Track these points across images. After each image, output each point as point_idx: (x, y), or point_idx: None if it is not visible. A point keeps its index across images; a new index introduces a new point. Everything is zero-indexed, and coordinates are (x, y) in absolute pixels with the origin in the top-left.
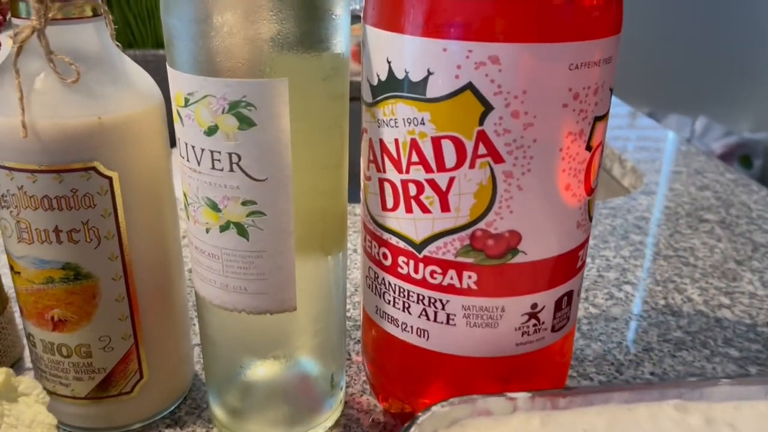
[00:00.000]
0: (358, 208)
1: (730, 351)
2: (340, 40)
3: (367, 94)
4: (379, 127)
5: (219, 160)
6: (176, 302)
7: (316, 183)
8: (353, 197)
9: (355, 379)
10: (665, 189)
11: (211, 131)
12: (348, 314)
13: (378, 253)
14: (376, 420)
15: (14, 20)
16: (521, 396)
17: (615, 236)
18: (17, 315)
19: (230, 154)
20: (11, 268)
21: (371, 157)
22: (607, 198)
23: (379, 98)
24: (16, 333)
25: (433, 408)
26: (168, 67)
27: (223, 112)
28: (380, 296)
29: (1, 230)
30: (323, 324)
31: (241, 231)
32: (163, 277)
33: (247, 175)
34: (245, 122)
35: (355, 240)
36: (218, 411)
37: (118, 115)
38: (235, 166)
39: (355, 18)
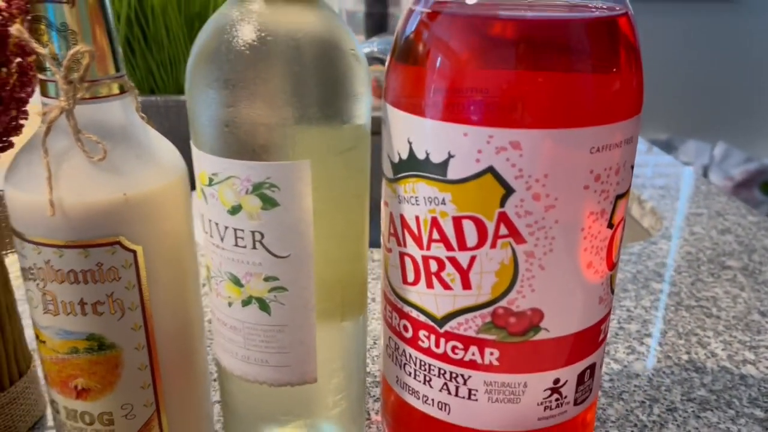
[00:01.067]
0: (377, 253)
1: (756, 411)
2: (362, 113)
3: (388, 170)
4: (399, 203)
5: (242, 238)
6: (197, 368)
7: (338, 255)
8: (374, 241)
9: None
10: (686, 233)
11: (235, 210)
12: (367, 369)
13: (399, 325)
14: None
15: (42, 99)
16: None
17: (635, 284)
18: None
19: (253, 233)
20: (36, 337)
21: (392, 231)
22: (627, 241)
23: (400, 175)
24: (38, 392)
25: None
26: (192, 146)
27: (246, 193)
28: (401, 367)
29: (27, 301)
30: (344, 393)
31: (263, 306)
32: (185, 345)
33: (270, 252)
34: (268, 202)
35: (373, 288)
36: None
37: (142, 191)
38: (258, 243)
39: (372, 60)
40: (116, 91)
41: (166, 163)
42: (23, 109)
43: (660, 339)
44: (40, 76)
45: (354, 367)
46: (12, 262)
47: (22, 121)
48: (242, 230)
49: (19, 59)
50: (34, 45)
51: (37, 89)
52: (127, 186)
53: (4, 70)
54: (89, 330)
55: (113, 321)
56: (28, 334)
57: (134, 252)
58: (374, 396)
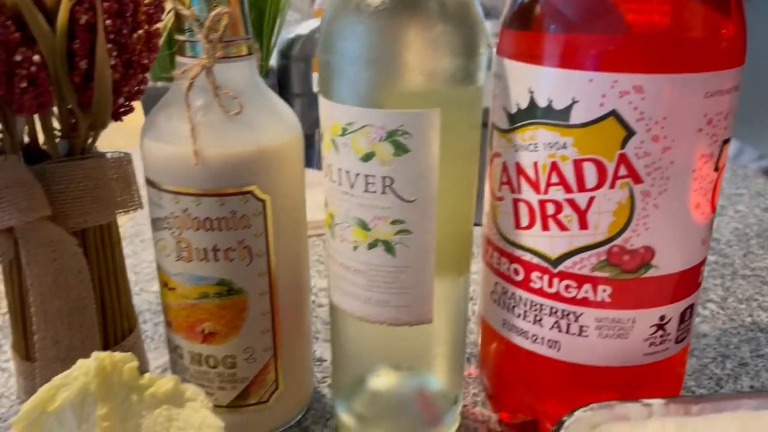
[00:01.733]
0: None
1: None
2: (482, 75)
3: (502, 122)
4: (516, 151)
5: (373, 184)
6: (306, 316)
7: (455, 206)
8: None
9: (465, 392)
10: (730, 211)
11: (368, 157)
12: None
13: (508, 269)
14: (492, 430)
15: (180, 59)
16: (656, 402)
17: None
18: (157, 329)
19: (384, 178)
20: (165, 284)
21: (504, 180)
22: None
23: (517, 125)
24: (143, 351)
25: (576, 413)
26: (322, 99)
27: (380, 140)
28: (509, 310)
29: (158, 250)
30: (451, 338)
31: (389, 248)
32: (297, 292)
33: (398, 197)
34: (400, 149)
35: None
36: (345, 417)
37: (273, 144)
38: (387, 188)
39: None
40: (245, 51)
41: (287, 119)
42: (146, 75)
43: (721, 304)
44: (179, 37)
45: (461, 317)
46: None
47: (143, 87)
48: (373, 176)
49: (147, 26)
50: (180, 7)
51: None
52: (260, 139)
53: (135, 35)
54: (220, 275)
55: (242, 267)
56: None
57: (263, 201)
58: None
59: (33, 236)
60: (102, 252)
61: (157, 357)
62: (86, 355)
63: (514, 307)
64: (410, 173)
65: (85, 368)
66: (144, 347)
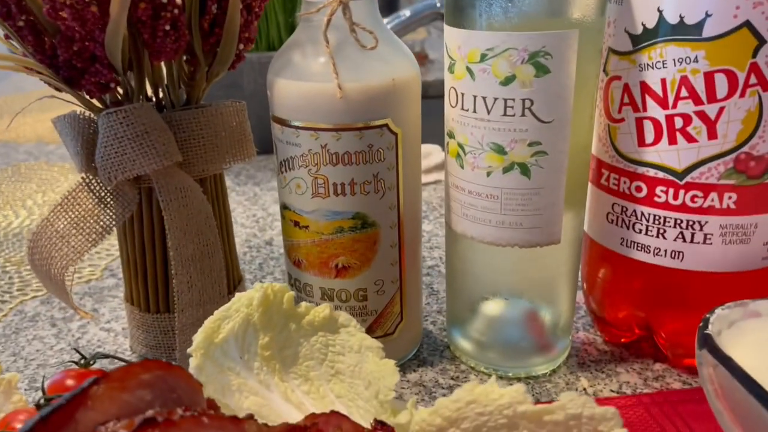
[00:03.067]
0: None
1: None
2: (607, 2)
3: (623, 45)
4: (641, 71)
5: (512, 107)
6: (420, 248)
7: (581, 127)
8: None
9: None
10: None
11: (508, 81)
12: None
13: (628, 188)
14: (601, 350)
15: None
16: None
17: None
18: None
19: (524, 101)
20: (296, 223)
21: (625, 101)
22: None
23: (643, 45)
24: None
25: (717, 311)
26: (452, 29)
27: (522, 63)
28: (629, 227)
29: (288, 190)
30: (571, 262)
31: (524, 170)
32: (416, 224)
33: (537, 118)
34: (541, 70)
35: None
36: (463, 342)
37: (405, 77)
38: (527, 110)
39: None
40: None
41: (409, 53)
42: (255, 20)
43: None
44: None
45: (579, 239)
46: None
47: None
48: (513, 99)
49: None
50: None
51: None
52: (394, 72)
53: None
54: (356, 209)
55: (376, 200)
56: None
57: (396, 134)
58: None
59: (168, 181)
60: (216, 201)
61: None
62: (215, 300)
63: (634, 224)
64: (549, 94)
65: (247, 300)
66: None
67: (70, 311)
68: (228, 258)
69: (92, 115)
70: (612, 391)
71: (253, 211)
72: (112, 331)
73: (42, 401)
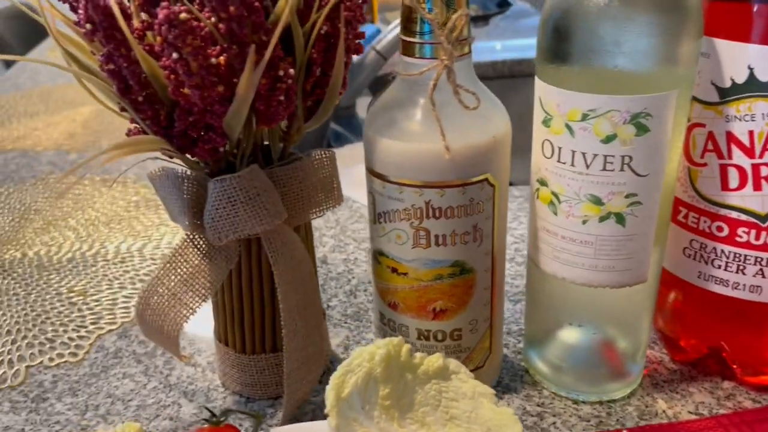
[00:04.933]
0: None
1: None
2: (698, 53)
3: (711, 96)
4: (728, 122)
5: (611, 163)
6: (504, 285)
7: (671, 175)
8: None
9: None
10: None
11: (609, 139)
12: None
13: (709, 227)
14: (670, 368)
15: (407, 59)
16: None
17: None
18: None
19: (623, 157)
20: (394, 270)
21: (709, 147)
22: None
23: (730, 98)
24: (329, 341)
25: None
26: (551, 87)
27: (624, 123)
28: (707, 263)
29: (387, 239)
30: (650, 296)
31: (620, 219)
32: (503, 265)
33: (635, 172)
34: (642, 129)
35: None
36: (540, 365)
37: (503, 132)
38: (625, 166)
39: None
40: (467, 50)
41: (501, 107)
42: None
43: None
44: (408, 38)
45: (659, 275)
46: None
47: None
48: (613, 156)
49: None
50: (422, 11)
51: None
52: (494, 129)
53: (351, 37)
54: (455, 257)
55: (474, 248)
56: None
57: (494, 186)
58: None
59: (276, 238)
60: (306, 246)
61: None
62: (314, 342)
63: (713, 260)
64: (648, 150)
65: (369, 355)
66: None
67: (151, 345)
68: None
69: (194, 173)
70: (690, 412)
71: None
72: (198, 366)
73: None
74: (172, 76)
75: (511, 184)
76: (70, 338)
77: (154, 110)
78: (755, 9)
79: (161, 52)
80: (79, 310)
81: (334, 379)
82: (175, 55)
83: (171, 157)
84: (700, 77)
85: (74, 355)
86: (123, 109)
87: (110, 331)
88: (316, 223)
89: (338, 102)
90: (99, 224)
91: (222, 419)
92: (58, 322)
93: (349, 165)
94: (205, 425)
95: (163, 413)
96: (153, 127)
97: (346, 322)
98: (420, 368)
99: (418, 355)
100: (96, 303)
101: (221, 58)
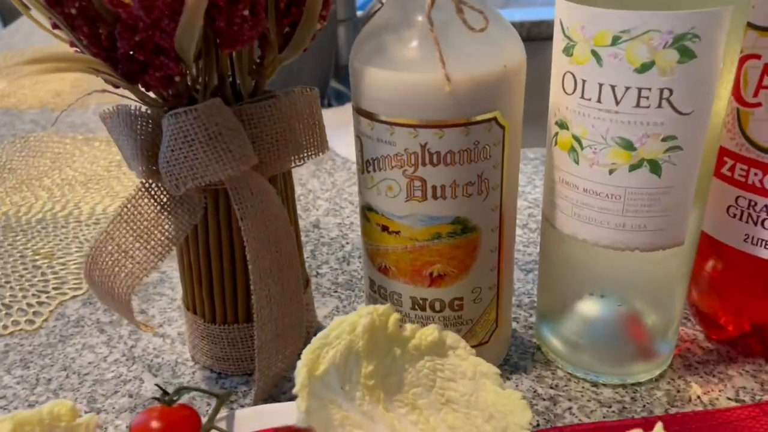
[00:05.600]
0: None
1: None
2: None
3: (766, 19)
4: None
5: (647, 98)
6: (514, 250)
7: (718, 117)
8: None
9: None
10: None
11: (645, 68)
12: None
13: (760, 181)
14: (705, 348)
15: None
16: None
17: None
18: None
19: (662, 90)
20: (384, 228)
21: (765, 84)
22: None
23: None
24: (314, 312)
25: None
26: (574, 6)
27: (664, 47)
28: (756, 223)
29: (377, 192)
30: (686, 263)
31: (655, 168)
32: (513, 225)
33: (675, 109)
34: (686, 55)
35: None
36: (555, 342)
37: (516, 62)
38: (664, 101)
39: None
40: None
41: (517, 34)
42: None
43: None
44: None
45: (697, 239)
46: None
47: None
48: (648, 89)
49: None
50: None
51: None
52: (505, 57)
53: None
54: (456, 213)
55: (479, 202)
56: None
57: (503, 128)
58: None
59: (244, 187)
60: (286, 201)
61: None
62: (292, 311)
63: (765, 220)
64: (692, 82)
65: (349, 325)
66: (314, 306)
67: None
68: (301, 254)
69: (149, 111)
70: (729, 399)
71: None
72: (167, 336)
73: None
74: None
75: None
76: (28, 304)
77: (93, 27)
78: None
79: None
80: (43, 274)
81: (307, 353)
82: None
83: (116, 87)
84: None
85: (31, 322)
86: (56, 26)
87: (74, 297)
88: (311, 184)
89: (320, 27)
90: (76, 184)
91: (175, 398)
92: (18, 287)
93: (349, 124)
94: (156, 404)
95: (123, 389)
96: (92, 48)
97: (336, 291)
98: (411, 342)
99: (408, 326)
100: (62, 267)
101: None
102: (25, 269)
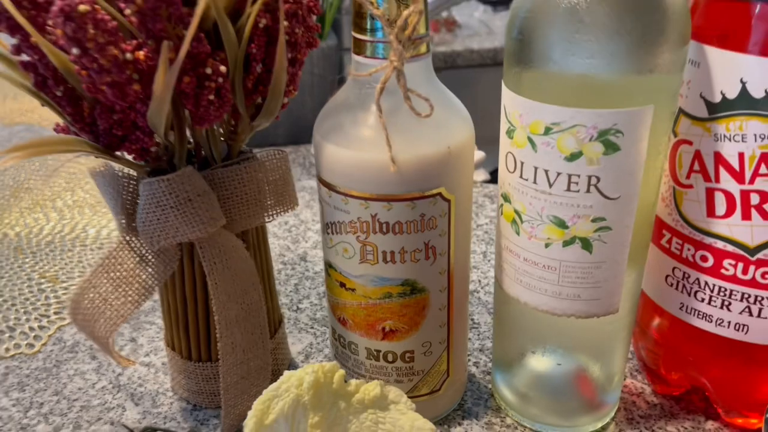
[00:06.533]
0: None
1: None
2: (684, 62)
3: (698, 110)
4: (716, 141)
5: (576, 183)
6: (467, 305)
7: (646, 198)
8: None
9: None
10: None
11: (574, 157)
12: None
13: (692, 256)
14: (650, 402)
15: (358, 59)
16: None
17: None
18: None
19: (590, 177)
20: (342, 285)
21: (696, 168)
22: None
23: (720, 114)
24: (287, 349)
25: None
26: (511, 94)
27: (590, 140)
28: (690, 294)
29: (335, 252)
30: (627, 325)
31: (586, 245)
32: (465, 285)
33: (603, 195)
34: (611, 148)
35: None
36: (507, 393)
37: (461, 142)
38: (592, 187)
39: None
40: (424, 50)
41: (464, 114)
42: (299, 70)
43: None
44: (360, 36)
45: (636, 303)
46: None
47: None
48: (578, 176)
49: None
50: (370, 7)
51: None
52: (449, 139)
53: (298, 31)
54: (405, 276)
55: (426, 266)
56: (282, 292)
57: (449, 201)
58: None
59: (211, 245)
60: (258, 251)
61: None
62: (258, 355)
63: (696, 291)
64: (617, 171)
65: (297, 380)
66: (288, 347)
67: None
68: (269, 303)
69: (131, 172)
70: None
71: (285, 218)
72: (152, 366)
73: None
74: (83, 73)
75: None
76: (30, 327)
77: (76, 106)
78: (756, 10)
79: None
80: (46, 297)
81: (257, 404)
82: (75, 51)
83: (97, 157)
84: (689, 88)
85: (31, 346)
86: (44, 104)
87: (71, 323)
88: (304, 215)
89: (287, 101)
90: (84, 206)
91: None
92: (23, 310)
93: None
94: None
95: (105, 416)
96: (77, 124)
97: (312, 327)
98: (355, 396)
99: (353, 382)
100: (64, 291)
101: (140, 53)
102: (30, 292)
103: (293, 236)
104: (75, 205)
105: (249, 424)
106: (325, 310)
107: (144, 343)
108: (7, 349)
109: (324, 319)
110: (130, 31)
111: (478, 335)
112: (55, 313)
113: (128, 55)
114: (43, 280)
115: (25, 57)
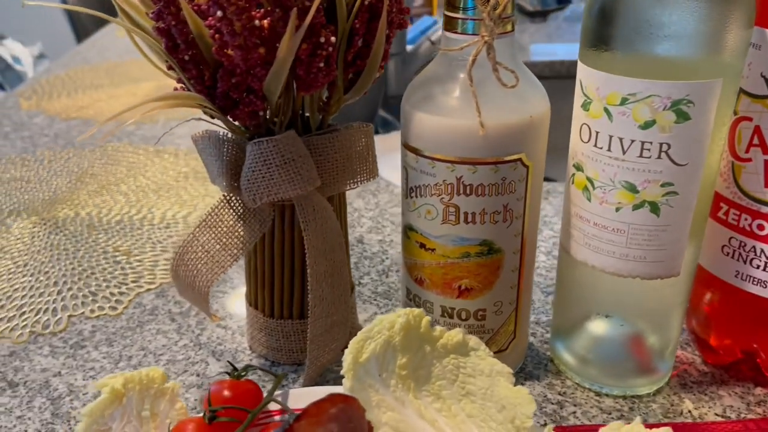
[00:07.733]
0: None
1: None
2: (748, 43)
3: (760, 89)
4: None
5: (648, 149)
6: (533, 270)
7: (711, 168)
8: None
9: None
10: None
11: (647, 125)
12: None
13: (749, 225)
14: (701, 371)
15: (449, 35)
16: None
17: None
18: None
19: (661, 144)
20: (422, 245)
21: (756, 142)
22: None
23: None
24: (356, 315)
25: None
26: (589, 70)
27: (663, 109)
28: (746, 262)
29: (418, 214)
30: (684, 291)
31: (654, 208)
32: (534, 249)
33: (672, 161)
34: (682, 117)
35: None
36: (567, 356)
37: (541, 114)
38: (663, 154)
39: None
40: (510, 28)
41: (542, 89)
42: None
43: None
44: (451, 13)
45: (694, 270)
46: None
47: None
48: (650, 143)
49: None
50: None
51: None
52: (532, 109)
53: (395, 11)
54: (483, 236)
55: (503, 228)
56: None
57: (528, 167)
58: None
59: (307, 204)
60: (339, 217)
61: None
62: (341, 311)
63: (752, 259)
64: (687, 139)
65: (389, 323)
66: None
67: (186, 305)
68: (349, 266)
69: (234, 137)
70: (716, 414)
71: None
72: (228, 328)
73: (208, 413)
74: (217, 36)
75: (555, 180)
76: (111, 293)
77: (199, 70)
78: None
79: (207, 11)
80: (122, 268)
81: (353, 343)
82: (219, 14)
83: (212, 117)
84: (750, 69)
85: (114, 308)
86: (170, 68)
87: (149, 290)
88: (356, 204)
89: (379, 75)
90: (148, 191)
91: (243, 374)
92: (102, 278)
93: (394, 151)
94: (226, 378)
95: (191, 369)
96: (197, 86)
97: (375, 300)
98: (439, 341)
99: (438, 328)
100: (138, 263)
101: (265, 21)
102: (107, 263)
103: (348, 222)
104: (138, 189)
105: (347, 359)
106: (385, 285)
107: (219, 309)
108: (92, 311)
109: (386, 293)
110: (258, 2)
111: (533, 310)
112: (133, 281)
113: (256, 22)
114: (117, 253)
115: (160, 24)
